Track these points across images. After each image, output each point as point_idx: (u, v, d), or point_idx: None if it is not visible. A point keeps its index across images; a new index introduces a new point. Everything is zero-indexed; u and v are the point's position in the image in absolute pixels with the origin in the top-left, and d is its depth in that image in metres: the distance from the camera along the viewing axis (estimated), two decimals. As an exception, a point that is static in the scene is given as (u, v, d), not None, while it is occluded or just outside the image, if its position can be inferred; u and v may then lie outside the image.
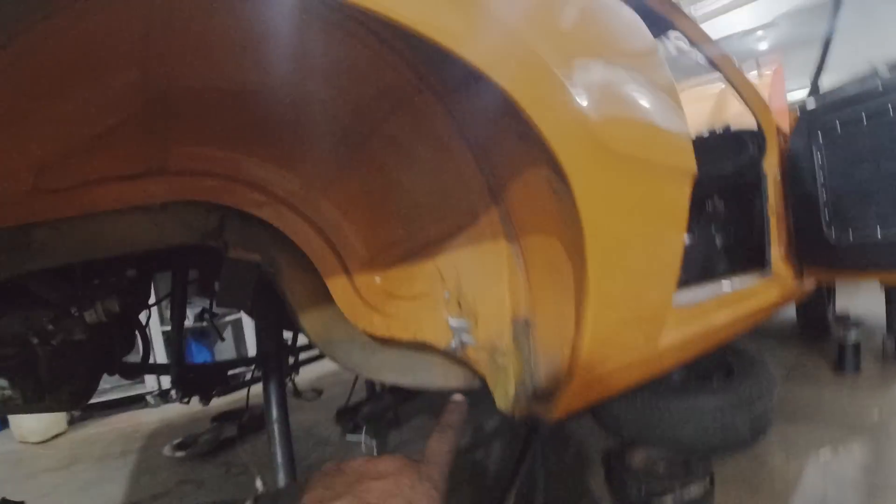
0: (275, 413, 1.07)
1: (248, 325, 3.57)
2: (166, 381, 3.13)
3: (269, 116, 0.76)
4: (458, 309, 0.92)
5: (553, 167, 0.70)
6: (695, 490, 1.36)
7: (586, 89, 0.64)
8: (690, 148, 0.88)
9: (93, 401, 1.77)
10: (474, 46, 0.53)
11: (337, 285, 0.87)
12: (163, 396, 3.54)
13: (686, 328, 1.14)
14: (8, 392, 1.22)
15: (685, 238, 0.95)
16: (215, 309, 3.51)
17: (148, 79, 0.62)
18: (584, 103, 0.63)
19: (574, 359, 0.77)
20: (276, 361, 1.11)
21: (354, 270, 0.89)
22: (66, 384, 1.30)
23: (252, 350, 3.55)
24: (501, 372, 0.90)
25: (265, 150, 0.80)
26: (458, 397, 0.59)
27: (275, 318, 1.13)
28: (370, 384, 2.32)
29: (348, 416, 2.16)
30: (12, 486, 2.24)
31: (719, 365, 1.96)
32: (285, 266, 0.90)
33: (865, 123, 1.64)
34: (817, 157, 1.79)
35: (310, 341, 0.98)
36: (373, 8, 0.46)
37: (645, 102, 0.77)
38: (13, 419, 2.89)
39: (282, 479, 1.03)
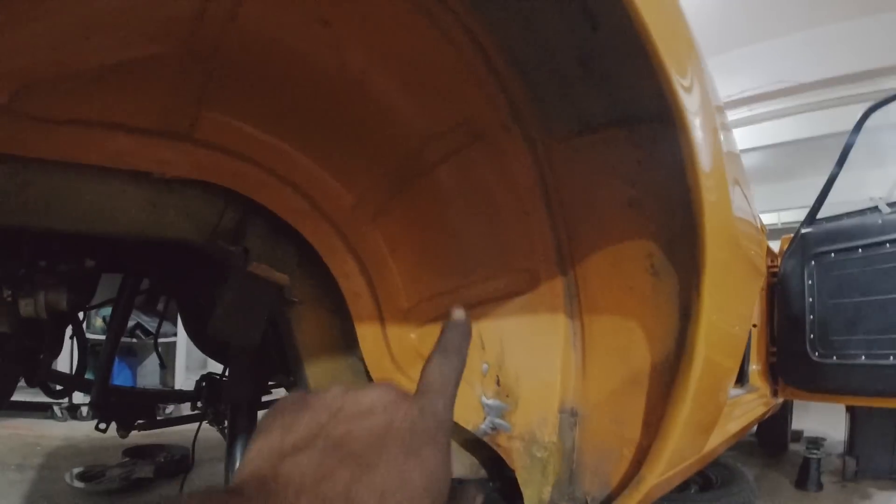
0: (240, 477, 0.87)
1: (182, 351, 3.20)
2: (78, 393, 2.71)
3: (337, 113, 0.64)
4: (495, 386, 0.79)
5: (663, 243, 0.62)
6: None
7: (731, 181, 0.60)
8: (765, 253, 0.85)
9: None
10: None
11: (368, 334, 0.73)
12: (71, 411, 3.07)
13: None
14: None
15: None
16: (145, 324, 3.14)
17: (204, 18, 0.49)
18: (729, 192, 0.59)
19: (649, 463, 0.64)
20: (249, 415, 0.92)
21: (390, 320, 0.75)
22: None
23: (180, 381, 3.16)
24: (538, 467, 0.76)
25: (322, 150, 0.66)
26: (459, 314, 0.43)
27: (258, 361, 0.94)
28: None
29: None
30: None
31: (696, 474, 1.88)
32: (308, 299, 0.75)
33: (860, 253, 1.71)
34: (808, 280, 1.84)
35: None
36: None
37: (749, 209, 0.75)
38: None
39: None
